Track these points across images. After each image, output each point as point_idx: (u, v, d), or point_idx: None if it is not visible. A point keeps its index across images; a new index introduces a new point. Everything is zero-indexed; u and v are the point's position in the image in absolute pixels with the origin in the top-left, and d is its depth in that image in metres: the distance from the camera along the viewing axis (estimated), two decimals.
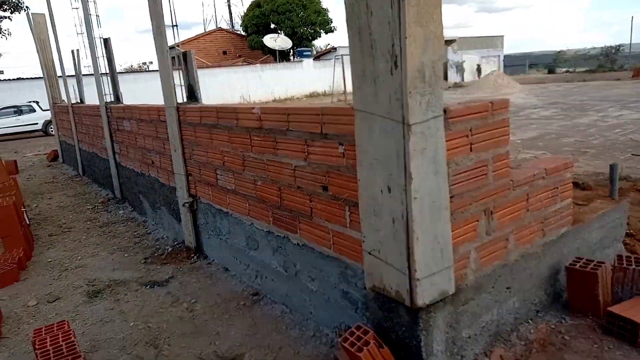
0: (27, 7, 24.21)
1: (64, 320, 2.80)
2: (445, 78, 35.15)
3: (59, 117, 10.68)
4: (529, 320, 2.81)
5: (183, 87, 4.44)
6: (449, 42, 36.49)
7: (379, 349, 2.26)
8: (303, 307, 3.14)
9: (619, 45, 41.74)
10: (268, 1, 35.30)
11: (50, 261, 4.76)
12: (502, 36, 40.31)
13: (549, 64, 44.15)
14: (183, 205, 4.39)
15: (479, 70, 35.27)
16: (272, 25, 37.02)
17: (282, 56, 35.62)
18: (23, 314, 3.64)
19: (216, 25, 48.03)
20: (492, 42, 39.21)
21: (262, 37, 34.65)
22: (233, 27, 47.44)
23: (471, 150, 2.34)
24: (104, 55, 6.32)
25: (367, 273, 2.42)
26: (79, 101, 8.94)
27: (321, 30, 36.28)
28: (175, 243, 4.84)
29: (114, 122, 6.32)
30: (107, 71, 6.45)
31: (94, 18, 6.65)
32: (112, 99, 6.56)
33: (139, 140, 5.49)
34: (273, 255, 3.33)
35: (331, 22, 36.04)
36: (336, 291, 2.79)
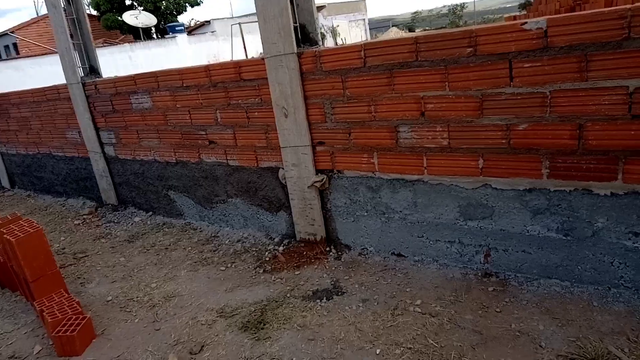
0: None
1: None
2: (322, 43, 35.25)
3: None
4: None
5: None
6: (319, 8, 36.51)
7: None
8: (601, 274, 2.46)
9: (464, 3, 46.37)
10: None
11: (110, 300, 3.30)
12: (365, 0, 41.63)
13: (409, 23, 47.08)
14: (310, 186, 3.30)
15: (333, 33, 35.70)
16: (128, 2, 33.03)
17: (146, 34, 32.10)
18: None
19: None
20: (356, 6, 40.17)
21: (120, 15, 30.71)
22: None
23: None
24: (69, 13, 4.55)
25: None
26: None
27: (186, 4, 33.40)
28: (278, 239, 3.71)
29: (102, 103, 4.66)
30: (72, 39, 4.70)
31: None
32: (84, 74, 4.84)
33: (173, 117, 4.07)
34: (533, 218, 2.56)
35: None
36: None
